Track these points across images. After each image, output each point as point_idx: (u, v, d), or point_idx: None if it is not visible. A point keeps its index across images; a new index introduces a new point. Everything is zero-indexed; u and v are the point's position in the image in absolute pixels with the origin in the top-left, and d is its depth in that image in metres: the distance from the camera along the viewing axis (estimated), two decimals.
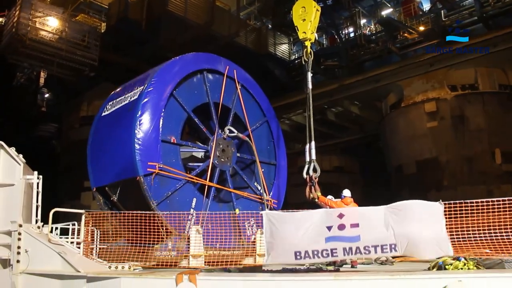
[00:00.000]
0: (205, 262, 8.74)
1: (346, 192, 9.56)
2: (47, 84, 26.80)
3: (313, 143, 9.75)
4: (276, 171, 11.97)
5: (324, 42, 28.99)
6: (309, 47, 10.49)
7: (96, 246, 9.29)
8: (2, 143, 8.12)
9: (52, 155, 30.69)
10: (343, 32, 26.12)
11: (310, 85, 10.42)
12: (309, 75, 10.48)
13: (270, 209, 11.20)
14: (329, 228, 6.51)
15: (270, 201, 11.42)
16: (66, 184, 27.29)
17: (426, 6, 25.17)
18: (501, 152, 21.19)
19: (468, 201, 6.55)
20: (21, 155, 8.45)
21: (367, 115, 28.77)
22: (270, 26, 26.17)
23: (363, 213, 6.67)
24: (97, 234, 9.31)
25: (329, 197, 10.00)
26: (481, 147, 21.48)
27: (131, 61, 23.87)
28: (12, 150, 8.21)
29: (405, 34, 22.57)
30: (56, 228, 10.59)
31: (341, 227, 6.49)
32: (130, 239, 8.67)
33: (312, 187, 9.34)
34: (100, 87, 25.62)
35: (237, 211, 10.72)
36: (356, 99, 26.84)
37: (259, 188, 11.32)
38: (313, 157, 9.62)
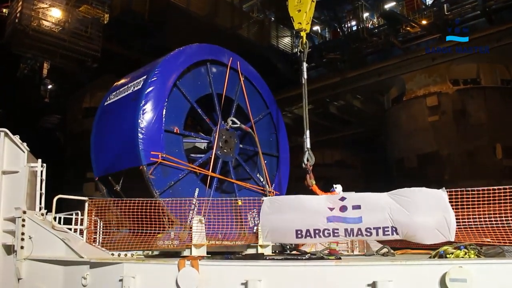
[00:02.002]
0: (207, 252, 8.81)
1: (338, 188, 9.68)
2: (50, 75, 26.91)
3: (307, 132, 9.79)
4: (279, 163, 12.02)
5: (327, 35, 28.96)
6: (304, 37, 10.52)
7: (99, 236, 9.37)
8: (6, 130, 8.19)
9: (56, 146, 30.77)
10: (346, 26, 26.06)
11: (305, 75, 10.46)
12: (305, 65, 10.52)
13: None
14: (331, 209, 6.59)
15: (272, 192, 11.46)
16: (69, 175, 27.41)
17: (429, 0, 25.12)
18: (502, 147, 21.22)
19: (470, 189, 6.58)
20: (25, 143, 8.54)
21: (369, 109, 28.77)
22: (273, 18, 26.09)
23: (365, 196, 6.71)
24: (99, 225, 9.39)
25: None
26: (482, 141, 21.53)
27: (134, 53, 23.90)
28: (16, 138, 8.29)
29: (408, 28, 22.51)
30: (60, 218, 10.73)
31: (343, 208, 6.56)
32: (133, 228, 8.76)
33: (308, 175, 9.41)
34: (103, 79, 25.65)
35: (239, 202, 10.79)
36: (358, 92, 26.81)
37: (262, 179, 11.37)
38: (308, 146, 9.64)
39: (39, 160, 8.38)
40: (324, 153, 32.79)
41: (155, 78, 9.69)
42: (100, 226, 9.41)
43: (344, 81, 24.41)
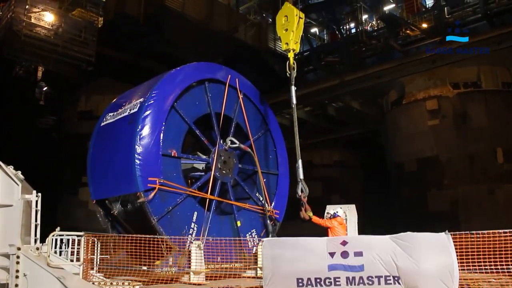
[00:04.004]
0: (206, 277, 8.69)
1: (340, 211, 9.48)
2: (44, 78, 26.51)
3: (300, 161, 9.49)
4: (278, 181, 11.81)
5: (325, 37, 28.60)
6: (291, 59, 10.17)
7: (97, 259, 9.22)
8: (0, 162, 7.96)
9: (52, 147, 30.48)
10: (345, 28, 25.67)
11: (294, 101, 10.17)
12: (293, 89, 10.21)
13: (272, 220, 11.13)
14: (331, 254, 6.46)
15: (272, 211, 11.30)
16: (65, 178, 27.16)
17: (429, 2, 24.77)
18: (503, 151, 21.00)
19: (474, 232, 6.48)
20: (19, 172, 8.29)
21: (368, 111, 28.50)
22: (270, 20, 25.67)
23: (368, 241, 6.59)
24: (97, 246, 9.24)
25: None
26: (483, 146, 21.27)
27: (129, 56, 23.56)
28: (10, 169, 8.04)
29: (408, 31, 22.14)
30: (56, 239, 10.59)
31: (344, 254, 6.44)
32: (131, 254, 8.65)
33: (303, 207, 9.18)
34: (98, 82, 25.37)
35: (238, 223, 10.65)
36: (357, 95, 26.49)
37: (261, 198, 11.20)
38: (301, 176, 9.37)
39: (34, 192, 8.14)
40: (323, 153, 32.68)
41: (152, 101, 9.45)
42: (97, 250, 9.27)
43: (343, 83, 24.06)
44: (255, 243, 10.46)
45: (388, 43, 22.17)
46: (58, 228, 11.74)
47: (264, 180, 11.20)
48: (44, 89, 28.13)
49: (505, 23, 19.99)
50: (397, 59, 22.78)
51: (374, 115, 28.17)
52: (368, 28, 24.97)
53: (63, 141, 27.95)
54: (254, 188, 11.39)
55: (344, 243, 6.48)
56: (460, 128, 21.82)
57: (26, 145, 32.50)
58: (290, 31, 9.93)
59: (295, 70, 10.17)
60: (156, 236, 8.29)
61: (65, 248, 10.03)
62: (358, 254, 6.37)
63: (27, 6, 19.73)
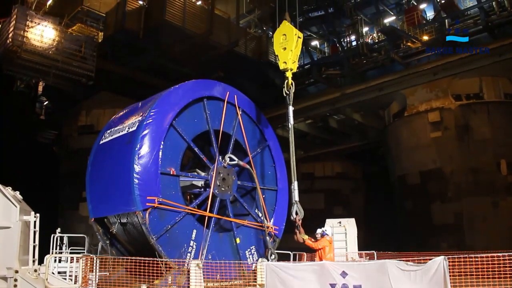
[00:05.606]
0: None
1: (329, 230, 9.39)
2: (45, 92, 26.64)
3: (296, 183, 9.36)
4: (277, 196, 11.72)
5: (326, 50, 28.60)
6: (290, 79, 10.03)
7: (96, 275, 9.18)
8: None
9: (52, 161, 30.54)
10: (345, 40, 25.64)
11: (291, 121, 10.04)
12: (290, 109, 10.08)
13: (271, 236, 11.02)
14: (332, 286, 6.50)
15: (271, 227, 11.19)
16: (65, 192, 27.09)
17: (430, 15, 24.73)
18: (507, 163, 20.87)
19: (473, 256, 6.40)
20: (17, 192, 8.27)
21: (370, 122, 28.44)
22: (270, 33, 25.72)
23: (367, 272, 6.58)
24: (96, 263, 9.21)
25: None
26: (486, 158, 21.15)
27: (129, 70, 23.61)
28: (8, 190, 8.02)
29: (409, 43, 22.08)
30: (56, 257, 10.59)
31: (345, 287, 6.46)
32: (130, 272, 8.59)
33: (297, 230, 9.06)
34: (98, 96, 25.42)
35: (237, 240, 10.55)
36: (358, 107, 26.44)
37: (260, 215, 11.10)
38: (297, 198, 9.24)
39: (32, 213, 8.12)
40: (325, 165, 32.61)
41: (150, 120, 9.42)
42: (96, 266, 9.24)
43: (344, 96, 24.02)
44: (255, 260, 10.38)
45: (389, 55, 22.09)
46: (59, 230, 11.99)
47: (263, 196, 11.12)
48: (45, 103, 28.33)
49: (507, 34, 19.91)
50: (398, 71, 22.71)
51: (375, 127, 28.08)
52: (369, 41, 24.90)
53: (64, 155, 27.92)
54: (253, 204, 11.31)
55: (343, 274, 6.48)
56: (463, 140, 21.68)
57: (27, 159, 32.68)
58: (289, 50, 9.82)
59: (293, 90, 10.04)
60: (154, 259, 8.19)
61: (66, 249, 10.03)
62: (357, 287, 6.43)
63: (27, 22, 19.83)
